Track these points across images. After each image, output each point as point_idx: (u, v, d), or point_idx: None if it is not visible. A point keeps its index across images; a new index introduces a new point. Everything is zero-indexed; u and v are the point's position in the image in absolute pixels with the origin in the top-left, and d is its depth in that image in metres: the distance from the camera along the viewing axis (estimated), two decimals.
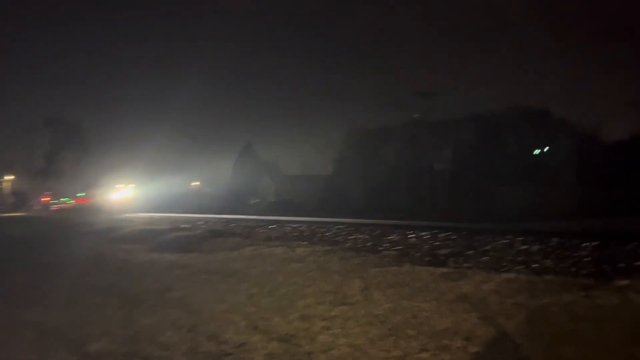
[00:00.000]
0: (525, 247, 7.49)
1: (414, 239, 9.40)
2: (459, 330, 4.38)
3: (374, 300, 5.48)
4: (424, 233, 9.92)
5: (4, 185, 63.31)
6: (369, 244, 9.47)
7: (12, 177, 63.68)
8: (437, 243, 8.80)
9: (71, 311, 6.24)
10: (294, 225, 13.66)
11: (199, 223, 19.54)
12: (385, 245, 9.16)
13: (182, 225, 19.66)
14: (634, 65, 38.41)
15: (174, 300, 6.62)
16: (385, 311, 5.07)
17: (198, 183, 51.56)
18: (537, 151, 33.11)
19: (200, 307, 6.05)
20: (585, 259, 6.30)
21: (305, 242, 10.67)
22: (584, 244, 7.06)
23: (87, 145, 70.46)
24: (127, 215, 29.50)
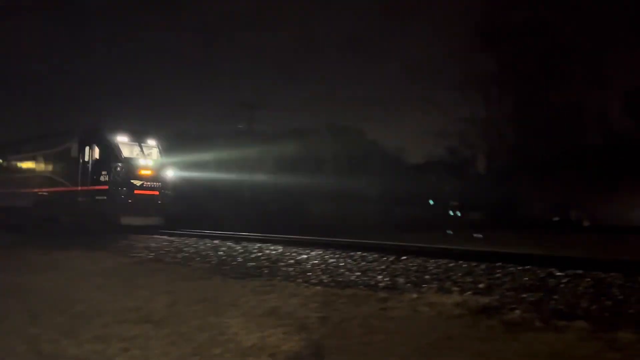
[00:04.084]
0: (333, 260, 7.90)
1: (227, 251, 9.27)
2: (265, 346, 4.36)
3: (181, 317, 5.22)
4: (239, 246, 9.86)
5: None
6: (179, 256, 9.07)
7: None
8: (253, 255, 8.80)
9: None
10: (95, 236, 12.51)
11: None
12: (196, 258, 8.87)
13: None
14: (434, 99, 44.44)
15: None
16: (192, 329, 4.84)
17: None
18: None
19: None
20: (384, 272, 6.85)
21: (110, 253, 9.83)
22: (383, 258, 7.71)
23: None
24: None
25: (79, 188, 15.73)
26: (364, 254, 8.10)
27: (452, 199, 37.95)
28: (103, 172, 15.09)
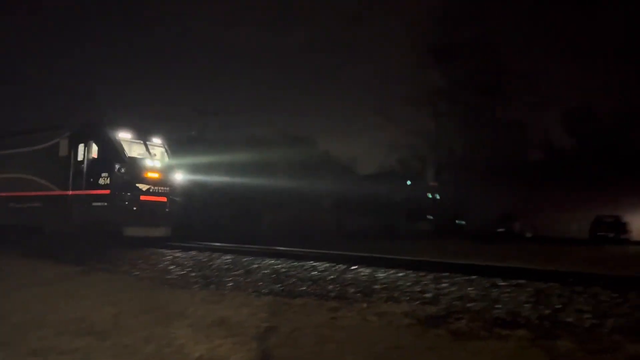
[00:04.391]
0: (284, 269, 7.87)
1: (176, 260, 9.07)
2: (213, 357, 4.28)
3: (126, 328, 5.05)
4: (188, 255, 9.67)
5: None
6: (126, 265, 8.80)
7: None
8: (201, 264, 8.65)
9: None
10: (40, 242, 11.96)
11: None
12: (143, 267, 8.63)
13: None
14: (386, 112, 45.41)
15: None
16: (137, 340, 4.69)
17: None
18: None
19: None
20: (334, 282, 6.89)
21: (52, 262, 9.41)
22: (334, 267, 7.75)
23: None
24: None
25: (70, 192, 13.25)
26: (315, 264, 8.12)
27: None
28: (103, 174, 12.61)
